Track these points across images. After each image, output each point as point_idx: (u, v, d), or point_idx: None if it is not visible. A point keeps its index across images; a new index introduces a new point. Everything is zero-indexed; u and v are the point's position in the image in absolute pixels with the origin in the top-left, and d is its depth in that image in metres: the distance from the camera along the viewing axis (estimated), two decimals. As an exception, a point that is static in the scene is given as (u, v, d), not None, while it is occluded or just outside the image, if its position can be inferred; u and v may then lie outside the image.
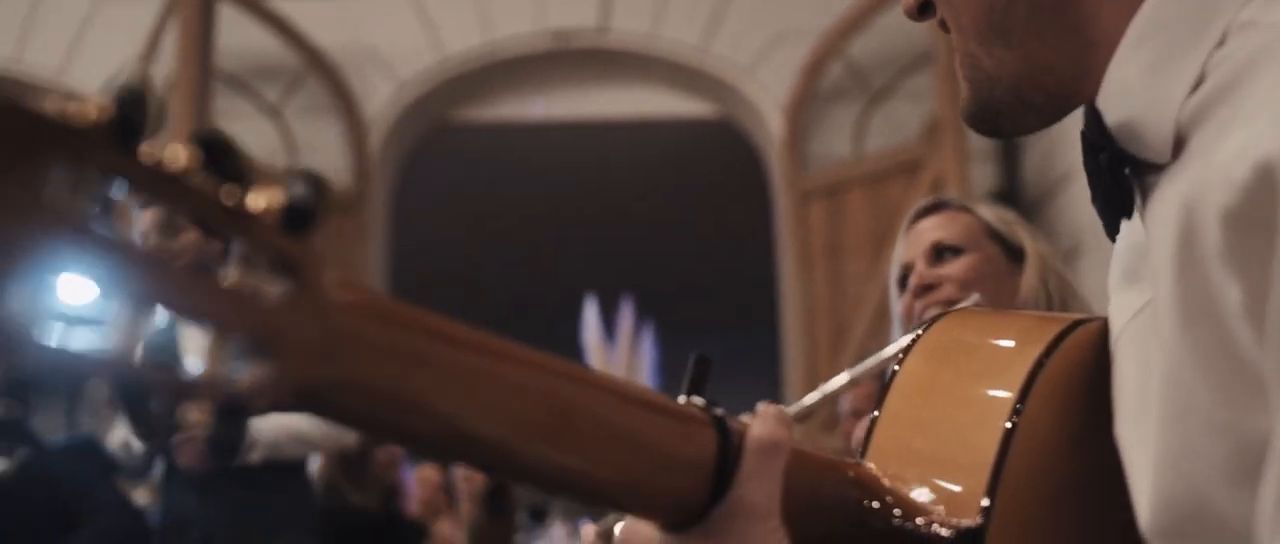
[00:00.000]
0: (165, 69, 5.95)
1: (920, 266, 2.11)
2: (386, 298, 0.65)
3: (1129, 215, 0.85)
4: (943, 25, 0.94)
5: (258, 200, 0.54)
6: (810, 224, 6.21)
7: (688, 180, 8.25)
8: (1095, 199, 0.87)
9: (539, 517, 6.89)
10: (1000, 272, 2.09)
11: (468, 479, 6.20)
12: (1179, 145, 0.77)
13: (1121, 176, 0.83)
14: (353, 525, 5.20)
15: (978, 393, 0.88)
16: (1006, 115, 0.90)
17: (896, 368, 0.94)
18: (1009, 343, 0.92)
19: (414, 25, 6.62)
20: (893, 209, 5.91)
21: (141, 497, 4.63)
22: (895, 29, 6.17)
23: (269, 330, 0.54)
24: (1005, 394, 0.85)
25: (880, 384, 2.29)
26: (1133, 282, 0.87)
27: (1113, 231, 0.89)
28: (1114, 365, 0.86)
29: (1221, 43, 0.76)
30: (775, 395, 6.81)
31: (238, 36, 6.17)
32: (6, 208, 0.44)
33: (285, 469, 3.85)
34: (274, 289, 0.55)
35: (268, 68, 6.41)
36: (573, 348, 6.31)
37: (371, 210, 6.52)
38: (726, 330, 11.96)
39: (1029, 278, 2.06)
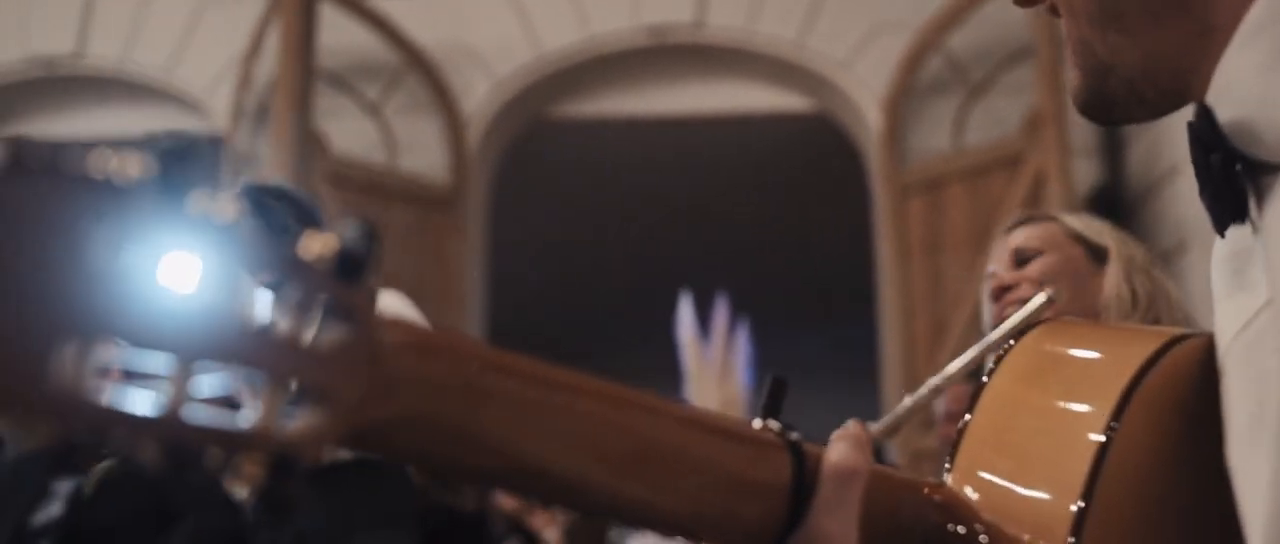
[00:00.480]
0: (268, 68, 6.05)
1: (1000, 271, 2.14)
2: (444, 334, 0.64)
3: (1242, 219, 0.80)
4: (1052, 10, 0.92)
5: (311, 247, 0.54)
6: (909, 219, 6.15)
7: (784, 175, 8.21)
8: (1205, 199, 0.83)
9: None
10: (1081, 272, 2.08)
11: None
12: None
13: (1234, 177, 0.79)
14: (447, 524, 5.23)
15: (1068, 412, 0.84)
16: (1119, 105, 0.87)
17: (985, 381, 0.91)
18: (1103, 358, 0.88)
19: (512, 22, 6.65)
20: (993, 204, 5.83)
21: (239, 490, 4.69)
22: (995, 21, 6.09)
23: (322, 377, 0.55)
24: (1098, 413, 0.80)
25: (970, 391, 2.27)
26: (1239, 289, 0.82)
27: (1223, 231, 0.85)
28: (1223, 383, 0.81)
29: None
30: (872, 392, 6.77)
31: (338, 35, 6.25)
32: (61, 270, 0.45)
33: (383, 467, 3.86)
34: (327, 335, 0.55)
35: (368, 66, 6.49)
36: (668, 344, 6.30)
37: (469, 207, 6.57)
38: (822, 326, 11.90)
39: (1112, 277, 2.04)
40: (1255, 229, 0.79)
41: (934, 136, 6.33)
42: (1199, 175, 0.83)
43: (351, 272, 0.55)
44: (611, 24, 6.65)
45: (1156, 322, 2.00)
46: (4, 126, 7.20)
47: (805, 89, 6.79)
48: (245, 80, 6.26)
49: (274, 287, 0.54)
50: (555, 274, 10.31)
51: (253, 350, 0.51)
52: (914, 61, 6.28)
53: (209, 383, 0.51)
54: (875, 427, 2.22)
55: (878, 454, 2.23)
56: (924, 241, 6.07)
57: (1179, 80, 0.83)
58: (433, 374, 0.61)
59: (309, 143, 5.80)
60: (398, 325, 0.60)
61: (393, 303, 3.75)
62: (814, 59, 6.55)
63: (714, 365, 5.97)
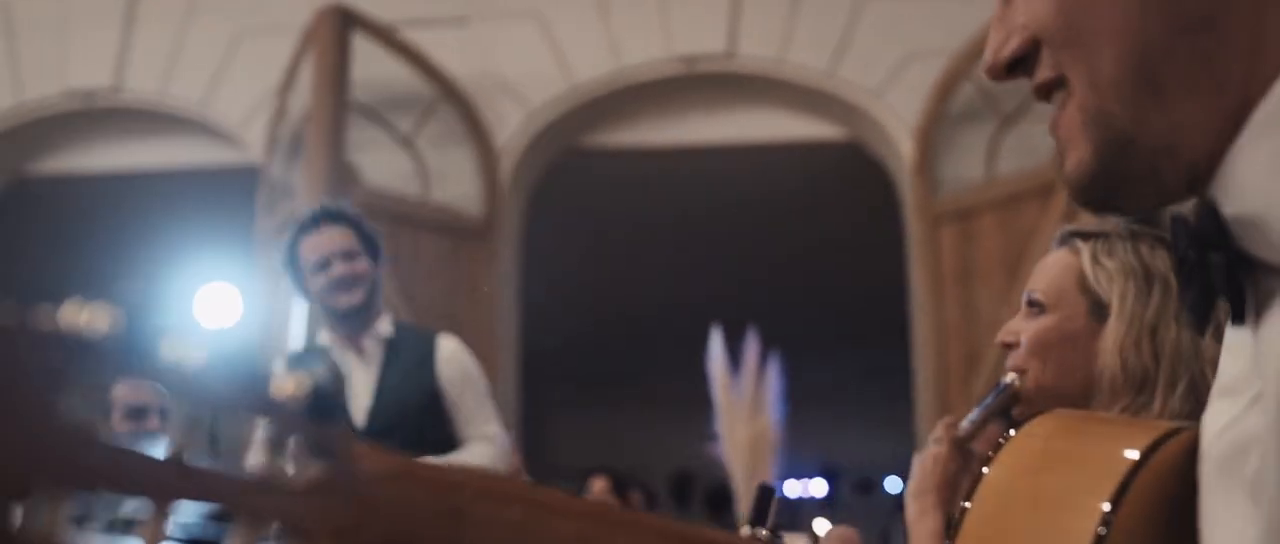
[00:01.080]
0: (302, 101, 6.09)
1: (1016, 317, 2.00)
2: (418, 462, 0.65)
3: (1240, 320, 0.75)
4: (1044, 90, 0.83)
5: (284, 388, 0.55)
6: (942, 248, 6.14)
7: (817, 204, 8.22)
8: (1186, 299, 0.78)
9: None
10: (1077, 333, 1.92)
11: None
12: None
13: (1236, 277, 0.74)
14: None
15: (1063, 508, 0.85)
16: (1129, 184, 0.79)
17: (985, 470, 0.92)
18: (1098, 452, 0.88)
19: (544, 53, 6.69)
20: (1026, 233, 5.82)
21: None
22: (1027, 50, 6.08)
23: (300, 513, 0.56)
24: (1093, 509, 0.81)
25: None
26: (1226, 394, 0.78)
27: (1199, 323, 0.79)
28: (1201, 491, 0.77)
29: None
30: (906, 420, 6.74)
31: (372, 68, 6.30)
32: (21, 424, 0.46)
33: None
34: (304, 472, 0.56)
35: (401, 98, 6.53)
36: (699, 374, 6.30)
37: (502, 237, 6.59)
38: (856, 354, 11.87)
39: (1109, 344, 1.87)
40: (1254, 333, 0.75)
41: (966, 165, 6.33)
42: (1183, 274, 0.79)
43: (325, 407, 0.56)
44: (643, 55, 6.69)
45: (1150, 396, 1.82)
46: (43, 160, 7.28)
47: (837, 118, 6.80)
48: (279, 113, 6.32)
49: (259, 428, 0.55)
50: (587, 304, 10.32)
51: (229, 491, 0.52)
52: (946, 90, 6.28)
53: (188, 523, 0.52)
54: (963, 424, 2.17)
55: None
56: (956, 270, 6.06)
57: (1202, 159, 0.75)
58: (413, 501, 0.62)
59: (342, 174, 5.84)
60: (376, 455, 0.61)
61: (451, 347, 3.78)
62: (845, 88, 6.56)
63: (744, 400, 5.96)
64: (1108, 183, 0.79)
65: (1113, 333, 1.86)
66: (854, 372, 12.30)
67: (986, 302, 5.93)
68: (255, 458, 0.54)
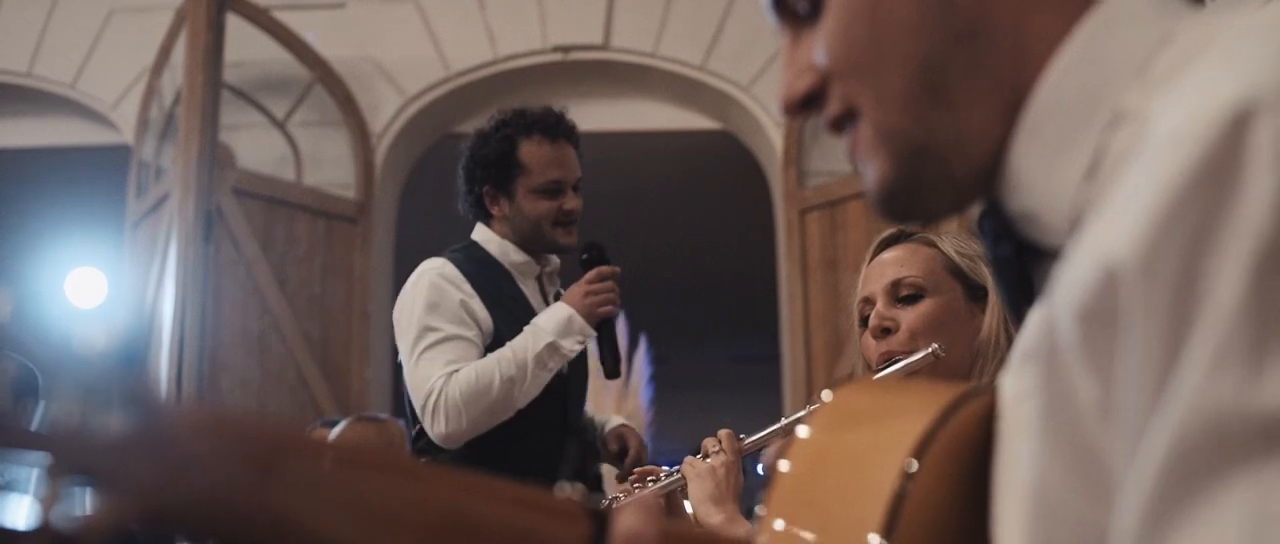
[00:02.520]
0: (175, 81, 6.03)
1: (880, 305, 2.10)
2: (230, 415, 0.65)
3: (1030, 302, 0.82)
4: (836, 124, 0.89)
5: (93, 339, 0.56)
6: (809, 237, 6.27)
7: (689, 193, 8.31)
8: (1000, 287, 0.85)
9: None
10: (959, 314, 2.06)
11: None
12: (1078, 231, 0.74)
13: (1024, 265, 0.81)
14: None
15: (869, 462, 0.86)
16: (926, 189, 0.84)
17: (798, 432, 0.93)
18: (903, 411, 0.89)
19: (422, 38, 6.70)
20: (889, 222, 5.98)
21: None
22: (894, 45, 6.24)
23: (109, 464, 0.56)
24: (894, 461, 0.82)
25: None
26: (1021, 363, 0.84)
27: (1016, 315, 0.86)
28: (997, 445, 0.83)
29: (1115, 124, 0.74)
30: (774, 405, 6.88)
31: (246, 49, 6.25)
32: None
33: None
34: (113, 423, 0.56)
35: (276, 80, 6.49)
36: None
37: (377, 221, 6.59)
38: (726, 340, 12.01)
39: (989, 321, 2.02)
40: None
41: (834, 157, 6.47)
42: (993, 267, 0.86)
43: (132, 359, 0.57)
44: (520, 43, 6.73)
45: None
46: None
47: (710, 109, 6.90)
48: (151, 92, 6.25)
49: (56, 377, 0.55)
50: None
51: (35, 442, 0.53)
52: (815, 83, 6.40)
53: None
54: (748, 439, 2.28)
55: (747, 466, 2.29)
56: (823, 259, 6.20)
57: (988, 158, 0.81)
58: (222, 455, 0.62)
59: (216, 156, 5.80)
60: (187, 408, 0.62)
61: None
62: (718, 80, 6.66)
63: (615, 384, 6.01)
64: (908, 191, 0.85)
65: (992, 311, 2.01)
66: (724, 357, 12.45)
67: (851, 289, 6.06)
68: (68, 410, 0.55)
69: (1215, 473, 0.59)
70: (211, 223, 5.67)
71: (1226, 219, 0.59)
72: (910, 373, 1.99)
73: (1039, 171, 0.77)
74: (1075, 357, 0.67)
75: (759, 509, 0.88)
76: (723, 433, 2.22)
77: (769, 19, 0.92)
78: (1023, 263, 0.81)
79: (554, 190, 3.41)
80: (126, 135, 6.53)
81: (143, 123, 6.31)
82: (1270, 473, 0.57)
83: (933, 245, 2.13)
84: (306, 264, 6.23)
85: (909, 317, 2.05)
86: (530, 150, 3.42)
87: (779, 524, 0.86)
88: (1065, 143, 0.76)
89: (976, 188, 0.83)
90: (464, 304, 3.26)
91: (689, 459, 2.31)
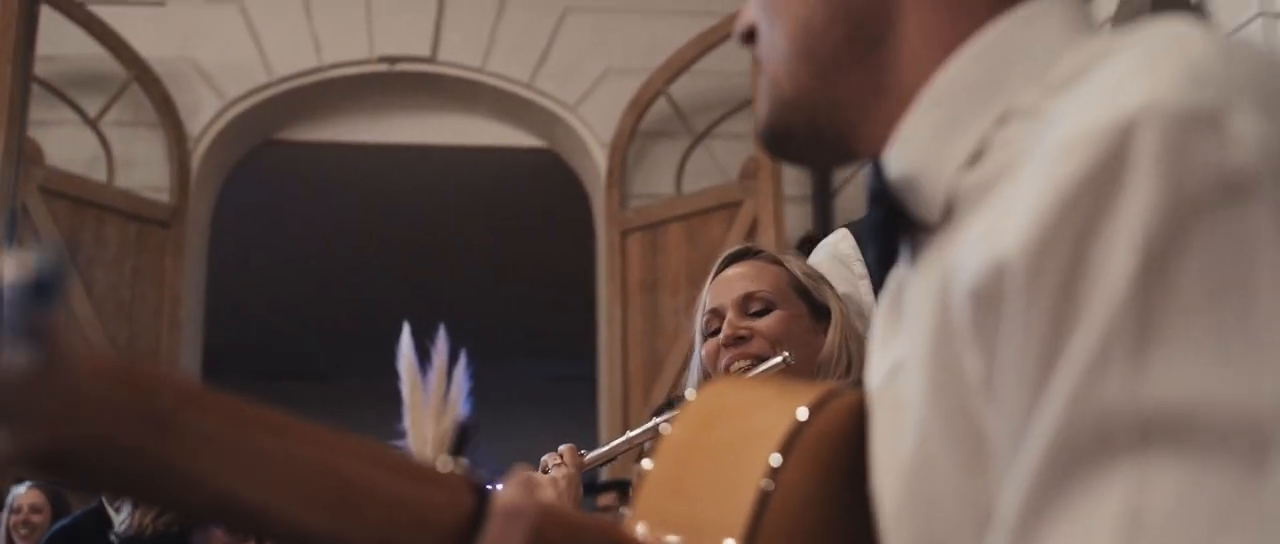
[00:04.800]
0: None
1: (732, 316, 2.12)
2: (142, 365, 0.66)
3: (891, 266, 0.89)
4: (759, 62, 0.98)
5: (4, 268, 0.55)
6: (629, 258, 6.33)
7: (513, 210, 8.31)
8: (869, 251, 0.94)
9: None
10: (805, 330, 2.11)
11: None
12: (948, 212, 0.80)
13: (894, 230, 0.86)
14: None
15: (736, 457, 0.87)
16: (797, 141, 0.93)
17: (664, 430, 0.95)
18: (769, 408, 0.91)
19: (244, 42, 6.57)
20: (711, 246, 6.06)
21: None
22: (718, 73, 6.35)
23: (9, 398, 0.56)
24: (761, 457, 0.84)
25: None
26: (887, 340, 0.90)
27: (880, 286, 0.93)
28: (871, 430, 0.87)
29: (1004, 122, 0.78)
30: (591, 424, 6.91)
31: (59, 43, 6.06)
32: None
33: None
34: (15, 357, 0.56)
35: (90, 77, 6.29)
36: (391, 372, 6.29)
37: (191, 226, 6.44)
38: (544, 359, 12.02)
39: (832, 337, 2.09)
40: (904, 285, 0.87)
41: (657, 180, 6.54)
42: (868, 230, 0.92)
43: (44, 295, 0.56)
44: (345, 52, 6.65)
45: (860, 381, 2.09)
46: None
47: (535, 127, 6.92)
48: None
49: None
50: (277, 298, 10.13)
51: None
52: (641, 106, 6.48)
53: None
54: (590, 455, 2.30)
55: (589, 480, 2.31)
56: (642, 281, 6.26)
57: (852, 128, 0.89)
58: (122, 402, 0.62)
59: (23, 151, 5.60)
60: (90, 352, 0.61)
61: None
62: (544, 98, 6.68)
63: (433, 398, 5.96)
64: (779, 137, 0.93)
65: (836, 328, 2.10)
66: (542, 375, 12.45)
67: (670, 312, 6.15)
68: None
69: (1095, 464, 0.62)
70: (15, 221, 5.47)
71: (1110, 220, 0.63)
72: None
73: (925, 147, 0.83)
74: (965, 331, 0.71)
75: (624, 509, 0.89)
76: (564, 447, 2.24)
77: None
78: (891, 227, 0.86)
79: None
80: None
81: (-55, 115, 6.05)
82: (1146, 466, 0.61)
83: (779, 264, 2.21)
84: (115, 268, 6.06)
85: (762, 325, 2.11)
86: None
87: (641, 528, 0.88)
88: (955, 126, 0.81)
89: (849, 150, 0.91)
90: None
91: (529, 473, 2.31)
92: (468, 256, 9.37)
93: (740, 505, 0.83)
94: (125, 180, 6.25)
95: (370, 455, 0.76)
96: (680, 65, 6.37)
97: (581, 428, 7.06)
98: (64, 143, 6.14)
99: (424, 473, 0.80)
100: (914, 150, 0.83)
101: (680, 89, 6.45)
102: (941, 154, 0.81)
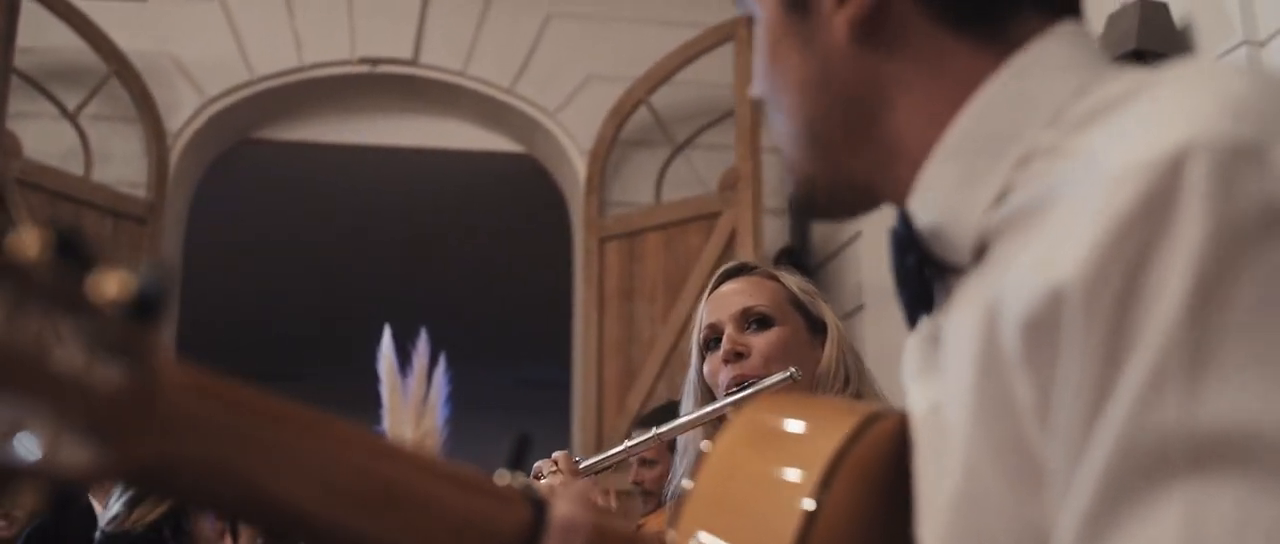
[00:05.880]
0: (-39, 63, 5.78)
1: (731, 331, 2.14)
2: (221, 378, 0.68)
3: (928, 311, 0.91)
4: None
5: (107, 286, 0.57)
6: (607, 266, 6.32)
7: (492, 214, 8.30)
8: (901, 295, 0.93)
9: None
10: (803, 345, 2.14)
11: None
12: (980, 252, 0.84)
13: (926, 275, 0.90)
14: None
15: (781, 476, 0.90)
16: (823, 207, 1.00)
17: (709, 446, 0.97)
18: (815, 428, 0.94)
19: (225, 40, 6.55)
20: (689, 256, 6.08)
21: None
22: (700, 83, 6.36)
23: (106, 414, 0.57)
24: (808, 478, 0.86)
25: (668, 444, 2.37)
26: (929, 372, 0.93)
27: (913, 324, 0.96)
28: (915, 461, 0.90)
29: (1025, 162, 0.82)
30: (563, 429, 6.90)
31: (41, 35, 6.03)
32: None
33: None
34: (112, 372, 0.57)
35: (69, 70, 6.26)
36: (368, 373, 6.28)
37: (167, 223, 6.41)
38: (517, 364, 12.00)
39: (830, 352, 2.12)
40: (939, 323, 0.90)
41: (636, 188, 6.54)
42: (896, 275, 0.94)
43: (147, 312, 0.57)
44: (327, 52, 6.63)
45: (859, 396, 2.10)
46: None
47: (515, 132, 6.91)
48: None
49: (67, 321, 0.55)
50: (254, 296, 10.10)
51: (34, 382, 0.53)
52: (622, 115, 6.49)
53: None
54: (584, 463, 2.30)
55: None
56: (619, 288, 6.26)
57: (873, 188, 0.95)
58: (214, 419, 0.65)
59: (2, 144, 5.57)
60: (182, 368, 0.63)
61: None
62: (524, 104, 6.68)
63: (413, 401, 5.94)
64: (807, 205, 1.00)
65: (832, 343, 2.14)
66: (509, 380, 12.43)
67: (647, 320, 6.15)
68: (68, 354, 0.55)
69: (1152, 486, 0.65)
70: (-10, 213, 5.43)
71: (1163, 248, 0.66)
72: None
73: (949, 195, 0.87)
74: (1017, 361, 0.73)
75: (670, 533, 0.91)
76: (559, 454, 2.25)
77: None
78: (924, 274, 0.90)
79: None
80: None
81: (-78, 104, 6.02)
82: (1203, 487, 0.63)
83: (775, 279, 2.22)
84: (90, 262, 6.01)
85: (760, 342, 2.13)
86: None
87: (693, 528, 0.90)
88: (976, 173, 0.85)
89: (869, 204, 0.98)
90: None
91: (582, 484, 2.32)
92: (445, 260, 9.35)
93: (785, 525, 0.85)
94: (102, 174, 6.22)
95: (435, 469, 0.79)
96: (662, 75, 6.38)
97: (554, 434, 7.05)
98: (42, 135, 6.10)
99: (482, 485, 0.82)
100: (937, 201, 0.87)
101: (661, 98, 6.46)
102: (966, 202, 0.85)
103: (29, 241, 0.54)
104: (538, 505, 0.83)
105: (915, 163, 0.89)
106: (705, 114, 6.45)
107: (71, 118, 6.22)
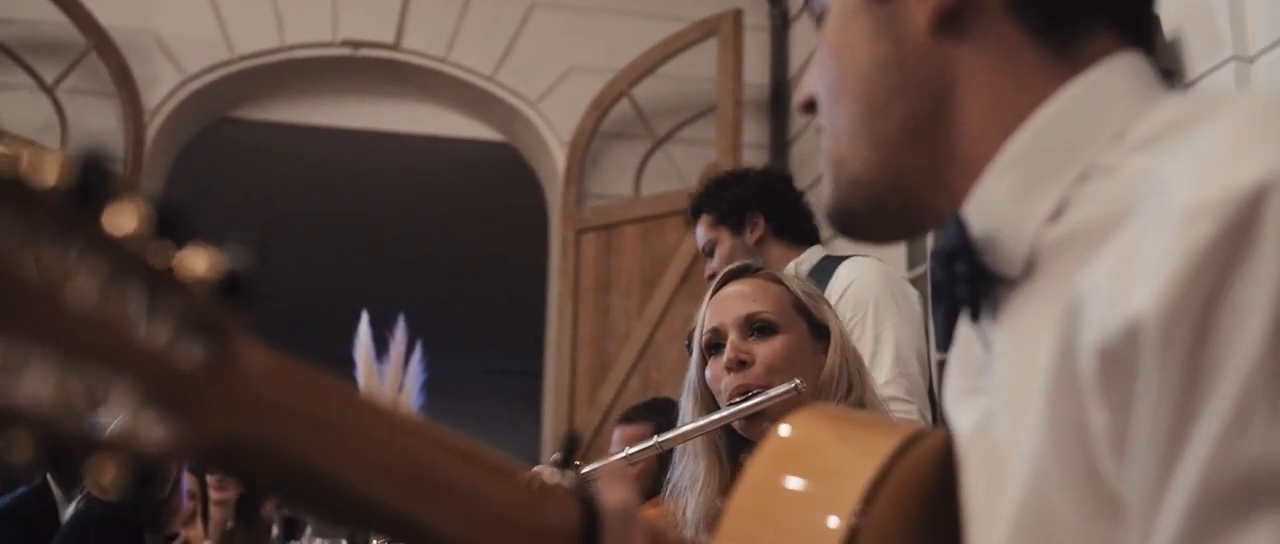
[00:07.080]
0: (-62, 32, 5.73)
1: (734, 338, 2.11)
2: (299, 365, 0.69)
3: (975, 319, 0.90)
4: (821, 132, 1.01)
5: (197, 264, 0.57)
6: (582, 257, 6.31)
7: (471, 202, 8.29)
8: (937, 307, 0.92)
9: (292, 528, 6.77)
10: (806, 352, 2.10)
11: (219, 487, 6.07)
12: (1031, 266, 0.84)
13: (975, 285, 0.89)
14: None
15: (823, 494, 0.90)
16: (862, 218, 0.96)
17: (749, 458, 0.97)
18: (858, 446, 0.93)
19: (206, 18, 6.51)
20: (666, 251, 6.07)
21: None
22: (683, 78, 6.36)
23: (189, 390, 0.57)
24: (851, 497, 0.86)
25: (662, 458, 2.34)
26: (974, 391, 0.92)
27: (946, 341, 0.95)
28: (963, 479, 0.90)
29: (1084, 179, 0.82)
30: (534, 420, 6.90)
31: (17, 6, 5.99)
32: None
33: None
34: (195, 349, 0.58)
35: (47, 42, 6.21)
36: (344, 357, 6.27)
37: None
38: (491, 353, 11.99)
39: (833, 359, 2.09)
40: (987, 338, 0.90)
41: (615, 181, 6.54)
42: (935, 287, 0.93)
43: (235, 293, 0.58)
44: (308, 33, 6.60)
45: (861, 404, 2.08)
46: None
47: (496, 120, 6.89)
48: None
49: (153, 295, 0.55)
50: (225, 276, 10.02)
51: (121, 355, 0.53)
52: (602, 107, 6.48)
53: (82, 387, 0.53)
54: (585, 469, 2.28)
55: None
56: (595, 280, 6.25)
57: (922, 195, 0.93)
58: (290, 404, 0.66)
59: (-25, 115, 5.53)
60: (262, 352, 0.64)
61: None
62: (505, 93, 6.67)
63: (389, 387, 5.92)
64: (843, 215, 0.97)
65: (835, 348, 2.10)
66: (479, 368, 12.43)
67: (622, 314, 6.14)
68: (155, 330, 0.55)
69: (1239, 517, 0.65)
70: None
71: (1243, 283, 0.66)
72: (771, 406, 2.02)
73: (1004, 208, 0.87)
74: (1092, 388, 0.73)
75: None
76: (557, 458, 2.22)
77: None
78: (974, 284, 0.89)
79: None
80: (-123, 83, 6.17)
81: (-104, 72, 5.97)
82: None
83: (778, 282, 2.18)
84: (63, 237, 5.97)
85: (764, 351, 2.09)
86: None
87: (734, 536, 0.90)
88: (1035, 185, 0.85)
89: (912, 221, 0.96)
90: None
91: (621, 470, 2.30)
92: (421, 245, 9.33)
93: (828, 541, 0.85)
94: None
95: (500, 468, 0.80)
96: (645, 68, 6.37)
97: (524, 424, 7.04)
98: (18, 108, 6.06)
99: (531, 480, 0.83)
100: (992, 210, 0.87)
101: (643, 91, 6.45)
102: (1022, 213, 0.85)
103: (126, 216, 0.54)
104: (584, 497, 0.85)
105: (970, 167, 0.89)
106: (687, 109, 6.45)
107: (49, 91, 6.17)
